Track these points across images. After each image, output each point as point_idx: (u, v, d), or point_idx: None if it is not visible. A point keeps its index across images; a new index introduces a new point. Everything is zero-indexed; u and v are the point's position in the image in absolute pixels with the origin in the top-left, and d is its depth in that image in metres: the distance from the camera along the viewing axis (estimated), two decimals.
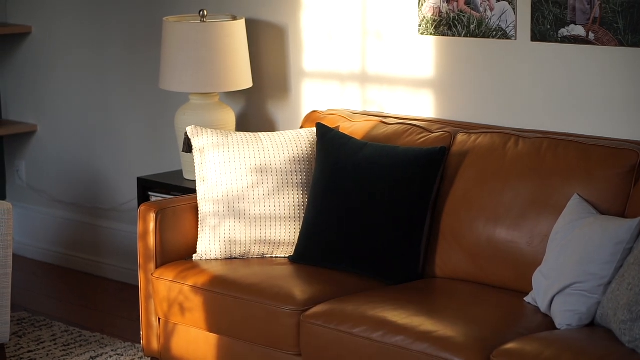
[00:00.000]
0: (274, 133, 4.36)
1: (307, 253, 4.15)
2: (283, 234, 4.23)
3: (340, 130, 4.35)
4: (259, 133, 4.36)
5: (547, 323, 3.56)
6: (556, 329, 3.51)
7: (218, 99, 4.87)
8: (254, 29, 4.97)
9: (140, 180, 4.89)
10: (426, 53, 4.49)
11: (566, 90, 4.15)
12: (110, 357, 4.58)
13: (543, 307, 3.62)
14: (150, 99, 5.41)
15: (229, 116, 4.86)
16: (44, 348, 4.68)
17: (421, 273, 4.07)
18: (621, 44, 3.98)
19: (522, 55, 4.24)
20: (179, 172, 4.96)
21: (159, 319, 4.21)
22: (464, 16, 4.35)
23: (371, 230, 4.02)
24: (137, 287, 4.76)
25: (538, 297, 3.66)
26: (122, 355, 4.59)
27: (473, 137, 4.11)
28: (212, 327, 4.03)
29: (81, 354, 4.60)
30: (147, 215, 4.24)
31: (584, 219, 3.62)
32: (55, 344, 4.72)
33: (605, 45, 4.02)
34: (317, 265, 4.12)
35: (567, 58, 4.13)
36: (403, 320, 3.58)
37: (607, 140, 3.90)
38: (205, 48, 4.66)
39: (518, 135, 4.04)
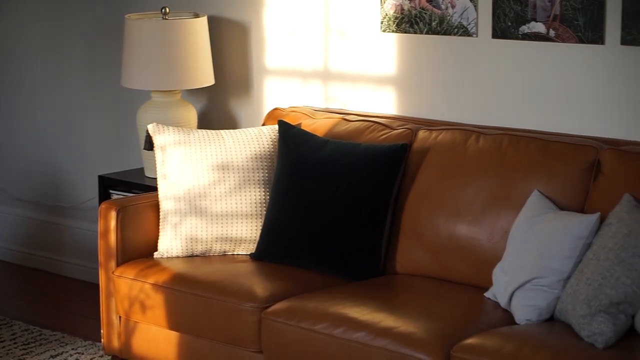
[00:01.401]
0: (236, 130, 4.35)
1: (268, 250, 4.14)
2: (244, 231, 4.22)
3: (302, 128, 4.34)
4: (220, 130, 4.35)
5: (507, 318, 3.57)
6: (516, 324, 3.52)
7: (180, 97, 4.85)
8: (216, 26, 4.95)
9: (102, 178, 4.86)
10: (388, 50, 4.49)
11: (527, 86, 4.17)
12: (71, 355, 4.55)
13: (503, 303, 3.63)
14: (112, 96, 5.38)
15: (191, 114, 4.84)
16: (3, 347, 4.64)
17: (382, 269, 4.08)
18: (581, 41, 4.00)
19: (483, 52, 4.25)
20: (141, 170, 4.94)
21: (120, 317, 4.19)
22: (425, 13, 4.35)
23: (333, 227, 4.02)
24: (98, 285, 4.72)
25: (498, 292, 3.67)
26: (83, 353, 4.56)
27: (434, 133, 4.12)
28: (173, 325, 4.01)
29: (41, 353, 4.57)
30: (108, 213, 4.21)
31: (544, 215, 3.64)
32: (15, 343, 4.68)
33: (565, 42, 4.04)
34: (279, 263, 4.11)
35: (528, 55, 4.14)
36: (364, 316, 3.58)
37: (567, 137, 3.92)
38: (167, 45, 4.64)
39: (479, 131, 4.05)
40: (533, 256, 3.54)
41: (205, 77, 4.75)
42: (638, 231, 3.29)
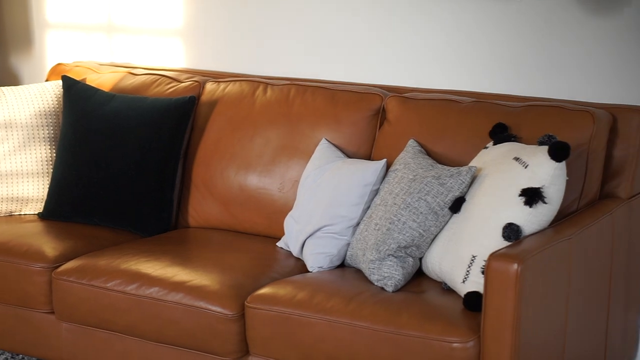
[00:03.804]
0: (18, 87, 4.24)
1: (57, 209, 4.06)
2: (31, 190, 4.12)
3: (87, 83, 4.26)
4: (1, 87, 4.23)
5: (300, 266, 3.62)
6: (308, 271, 3.58)
7: None
8: None
9: None
10: (173, 1, 4.44)
11: (314, 36, 4.20)
12: None
13: (295, 251, 3.68)
14: None
15: None
16: None
17: (175, 224, 4.06)
18: None
19: (269, 3, 4.25)
20: None
21: None
22: None
23: (122, 183, 3.97)
24: None
25: (290, 241, 3.71)
26: None
27: (222, 85, 4.12)
28: None
29: None
30: None
31: (332, 163, 3.69)
32: None
33: None
34: (69, 221, 4.04)
35: (313, 5, 4.17)
36: (157, 271, 3.56)
37: (353, 85, 3.98)
38: None
39: (266, 82, 4.06)
40: (323, 204, 3.60)
41: None
42: (423, 175, 3.38)
